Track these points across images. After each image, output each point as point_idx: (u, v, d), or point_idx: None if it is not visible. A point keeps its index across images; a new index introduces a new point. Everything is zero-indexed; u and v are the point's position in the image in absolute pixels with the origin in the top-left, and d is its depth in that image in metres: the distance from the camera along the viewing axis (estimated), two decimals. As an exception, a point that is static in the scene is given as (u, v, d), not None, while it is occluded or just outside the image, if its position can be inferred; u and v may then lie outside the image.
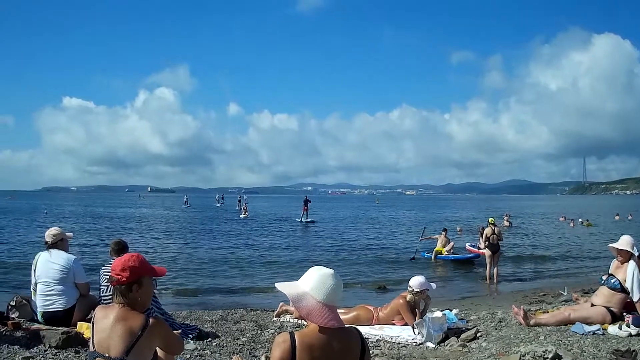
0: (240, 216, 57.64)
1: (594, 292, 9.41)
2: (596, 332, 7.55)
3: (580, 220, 50.63)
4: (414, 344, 8.71)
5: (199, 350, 7.73)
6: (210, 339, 8.49)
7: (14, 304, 8.42)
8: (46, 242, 8.22)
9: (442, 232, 25.42)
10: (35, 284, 8.09)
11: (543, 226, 49.55)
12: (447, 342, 8.60)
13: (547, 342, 7.24)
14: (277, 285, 3.41)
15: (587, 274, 20.24)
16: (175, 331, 4.80)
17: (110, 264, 6.95)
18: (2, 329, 7.49)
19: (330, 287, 3.25)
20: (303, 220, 50.85)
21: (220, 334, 8.98)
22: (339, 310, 3.37)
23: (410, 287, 9.56)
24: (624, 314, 7.89)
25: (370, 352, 4.14)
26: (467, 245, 25.74)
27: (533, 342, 7.28)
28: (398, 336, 9.00)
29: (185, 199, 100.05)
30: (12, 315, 8.21)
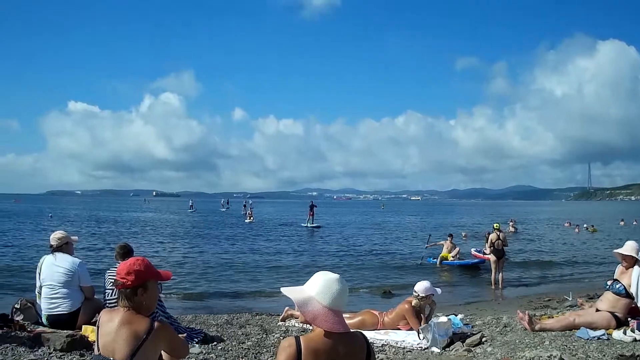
0: (246, 221, 57.50)
1: (598, 297, 9.39)
2: (601, 337, 7.55)
3: (585, 225, 50.56)
4: (419, 348, 8.70)
5: (204, 354, 7.73)
6: (215, 342, 8.50)
7: (18, 306, 8.44)
8: (51, 246, 8.23)
9: (448, 238, 25.35)
10: (40, 287, 8.11)
11: (548, 232, 49.50)
12: (452, 347, 8.58)
13: (552, 347, 7.23)
14: (282, 289, 3.42)
15: (592, 280, 20.19)
16: (180, 335, 4.80)
17: (116, 267, 6.97)
18: (7, 332, 7.50)
19: (335, 291, 3.24)
20: (309, 225, 50.80)
21: (225, 338, 8.99)
22: (344, 315, 3.36)
23: (415, 292, 9.56)
24: (629, 319, 7.88)
25: (376, 356, 4.14)
26: (473, 251, 25.67)
27: (538, 347, 7.28)
28: (403, 341, 9.01)
29: (190, 204, 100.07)
30: (17, 318, 8.22)
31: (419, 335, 8.98)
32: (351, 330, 3.37)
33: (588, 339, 7.52)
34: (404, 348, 8.80)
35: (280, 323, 10.76)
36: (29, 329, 7.79)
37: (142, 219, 65.38)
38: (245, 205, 78.35)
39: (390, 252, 29.71)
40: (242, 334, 9.62)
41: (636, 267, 8.14)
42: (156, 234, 40.66)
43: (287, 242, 35.91)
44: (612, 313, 8.01)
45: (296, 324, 10.43)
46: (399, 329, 9.57)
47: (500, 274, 18.41)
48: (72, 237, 8.59)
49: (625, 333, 7.50)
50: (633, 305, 8.06)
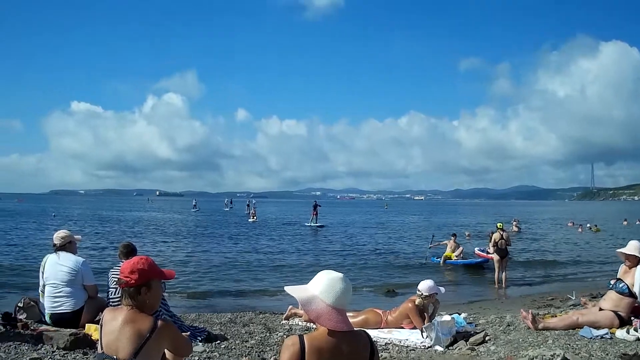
0: (249, 220, 57.55)
1: (602, 296, 9.39)
2: (604, 336, 7.55)
3: (588, 225, 50.53)
4: (423, 347, 8.70)
5: (208, 352, 7.73)
6: (218, 341, 8.51)
7: (21, 305, 8.45)
8: (54, 245, 8.24)
9: (452, 237, 25.33)
10: (44, 285, 8.11)
11: (551, 231, 49.43)
12: (455, 345, 8.59)
13: (555, 346, 7.24)
14: (286, 288, 3.41)
15: (595, 279, 20.16)
16: (183, 333, 4.80)
17: (119, 266, 6.97)
18: (10, 330, 7.52)
19: (339, 290, 3.24)
20: (312, 224, 50.88)
21: (228, 337, 9.00)
22: (348, 314, 3.36)
23: (419, 291, 9.56)
24: (632, 318, 7.89)
25: (379, 355, 4.13)
26: (476, 250, 25.64)
27: (541, 346, 7.28)
28: (407, 339, 9.00)
29: (194, 203, 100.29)
30: (20, 317, 8.24)
31: (422, 334, 8.98)
32: (355, 329, 3.37)
33: (591, 338, 7.53)
34: (407, 347, 8.80)
35: (283, 322, 10.76)
36: (32, 328, 7.80)
37: (145, 218, 65.48)
38: (248, 205, 78.38)
39: (393, 252, 29.71)
40: (246, 332, 9.62)
41: (639, 266, 8.13)
42: (159, 233, 40.72)
43: (291, 241, 35.92)
44: (615, 312, 8.01)
45: (300, 323, 10.44)
46: (402, 328, 9.56)
47: (504, 273, 18.39)
48: (76, 236, 8.60)
49: (628, 332, 7.51)
50: (636, 305, 8.05)
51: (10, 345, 6.96)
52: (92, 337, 7.23)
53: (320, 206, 54.14)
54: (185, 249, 29.77)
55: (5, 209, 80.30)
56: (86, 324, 7.82)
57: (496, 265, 18.48)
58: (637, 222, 58.86)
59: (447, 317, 9.43)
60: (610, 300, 8.21)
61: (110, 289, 8.03)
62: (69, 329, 7.62)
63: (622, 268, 8.52)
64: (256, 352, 8.15)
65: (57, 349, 7.03)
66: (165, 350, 3.80)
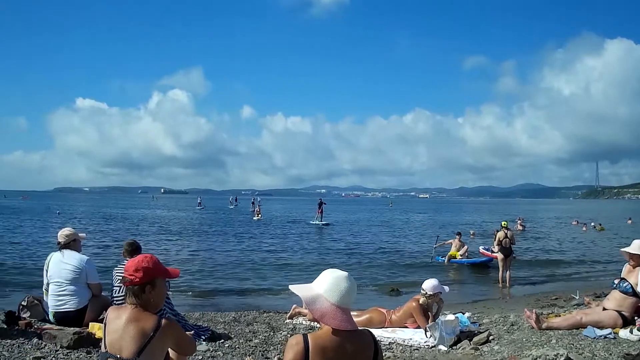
0: (254, 218, 57.67)
1: (605, 296, 9.38)
2: (607, 336, 7.55)
3: (592, 224, 50.49)
4: (427, 346, 8.68)
5: (211, 351, 7.73)
6: (222, 340, 8.50)
7: (25, 303, 8.46)
8: (59, 243, 8.24)
9: (456, 236, 25.30)
10: (47, 284, 8.12)
11: (556, 230, 49.41)
12: (459, 345, 8.57)
13: (558, 345, 7.23)
14: (291, 287, 3.42)
15: (599, 278, 20.09)
16: (187, 332, 4.80)
17: (124, 264, 6.98)
18: (13, 329, 7.53)
19: (344, 289, 3.25)
20: (317, 222, 50.82)
21: (232, 336, 9.00)
22: (352, 313, 3.37)
23: (423, 290, 9.56)
24: (636, 318, 7.87)
25: (383, 354, 4.14)
26: (481, 249, 25.61)
27: (545, 346, 7.27)
28: (410, 339, 9.00)
29: (198, 201, 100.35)
30: (24, 315, 8.26)
31: (426, 333, 8.96)
32: (359, 328, 3.38)
33: (595, 337, 7.52)
34: (411, 346, 8.79)
35: (287, 321, 10.77)
36: (35, 326, 7.81)
37: (150, 216, 65.60)
38: (253, 203, 78.41)
39: (398, 250, 29.67)
40: (250, 331, 9.63)
41: (643, 266, 8.13)
42: (164, 231, 40.73)
43: (296, 239, 35.90)
44: (618, 312, 8.01)
45: (304, 322, 10.44)
46: (406, 327, 9.56)
47: (508, 272, 18.36)
48: (80, 234, 8.61)
49: (631, 332, 7.50)
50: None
51: (13, 344, 6.97)
52: (96, 336, 7.23)
53: (325, 204, 54.07)
54: (190, 247, 29.79)
55: (9, 207, 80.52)
56: (90, 323, 7.81)
57: (500, 264, 18.46)
58: (642, 221, 58.64)
59: (451, 317, 9.42)
60: (614, 300, 8.20)
61: (114, 287, 8.00)
62: (72, 328, 7.60)
63: (626, 267, 8.52)
64: (260, 351, 8.15)
65: (60, 347, 7.02)
66: (169, 349, 3.81)
